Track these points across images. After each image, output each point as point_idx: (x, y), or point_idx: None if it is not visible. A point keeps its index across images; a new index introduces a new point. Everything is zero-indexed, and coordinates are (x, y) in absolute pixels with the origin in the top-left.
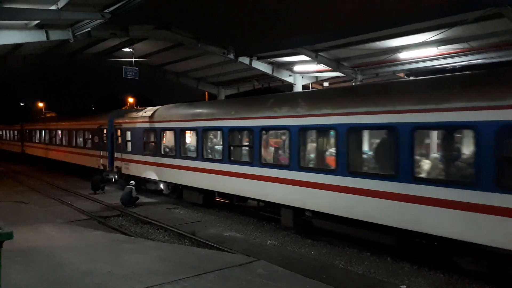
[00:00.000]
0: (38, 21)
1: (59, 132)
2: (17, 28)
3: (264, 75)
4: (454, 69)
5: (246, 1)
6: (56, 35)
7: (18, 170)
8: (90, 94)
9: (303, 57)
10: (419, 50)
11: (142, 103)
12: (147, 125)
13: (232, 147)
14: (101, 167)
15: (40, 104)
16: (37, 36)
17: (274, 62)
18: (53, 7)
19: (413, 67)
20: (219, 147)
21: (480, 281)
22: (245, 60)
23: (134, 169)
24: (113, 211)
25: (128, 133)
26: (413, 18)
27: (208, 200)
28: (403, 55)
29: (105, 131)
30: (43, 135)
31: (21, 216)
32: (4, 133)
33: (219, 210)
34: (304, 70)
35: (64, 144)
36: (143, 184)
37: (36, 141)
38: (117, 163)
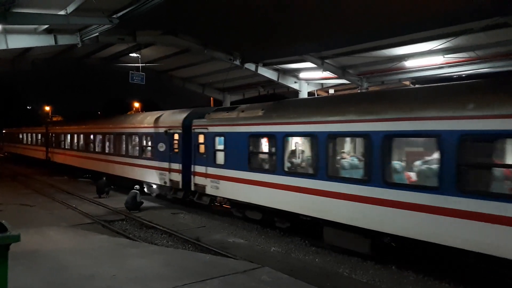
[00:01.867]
0: (47, 26)
1: (100, 136)
2: (26, 32)
3: (269, 81)
4: (460, 78)
5: (252, 8)
6: (64, 40)
7: (25, 173)
8: (96, 99)
9: (309, 64)
10: (425, 58)
11: (148, 108)
12: (258, 128)
13: None
14: (168, 184)
15: (47, 108)
16: (46, 41)
17: (279, 69)
18: (62, 12)
19: (419, 75)
20: None
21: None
22: (251, 66)
23: (230, 190)
24: (118, 215)
25: (220, 140)
26: (420, 26)
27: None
28: (409, 63)
29: (175, 137)
30: (76, 139)
31: (27, 219)
32: (25, 136)
33: (222, 216)
34: (310, 77)
35: (108, 152)
36: (240, 209)
37: (67, 147)
38: (198, 180)
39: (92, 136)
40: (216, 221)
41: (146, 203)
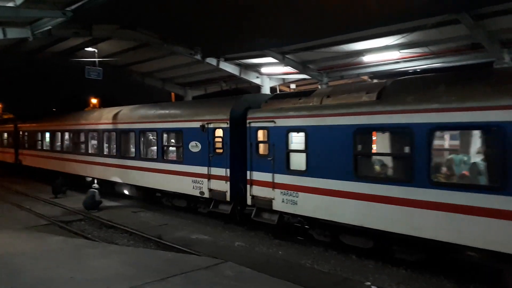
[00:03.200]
0: None
1: (96, 134)
2: None
3: (231, 76)
4: (415, 72)
5: (213, 2)
6: (14, 33)
7: None
8: (50, 95)
9: (270, 59)
10: (382, 53)
11: (106, 105)
12: (371, 119)
13: None
14: (206, 194)
15: None
16: None
17: (241, 64)
18: (11, 4)
19: (376, 70)
20: None
21: (438, 275)
22: (212, 61)
23: (319, 207)
24: (76, 216)
25: (297, 137)
26: (376, 22)
27: None
28: (367, 58)
29: (218, 133)
30: (59, 138)
31: None
32: None
33: (186, 213)
34: (272, 72)
35: (108, 153)
36: (329, 232)
37: (45, 147)
38: (258, 191)
39: (84, 134)
40: (179, 219)
41: (105, 202)
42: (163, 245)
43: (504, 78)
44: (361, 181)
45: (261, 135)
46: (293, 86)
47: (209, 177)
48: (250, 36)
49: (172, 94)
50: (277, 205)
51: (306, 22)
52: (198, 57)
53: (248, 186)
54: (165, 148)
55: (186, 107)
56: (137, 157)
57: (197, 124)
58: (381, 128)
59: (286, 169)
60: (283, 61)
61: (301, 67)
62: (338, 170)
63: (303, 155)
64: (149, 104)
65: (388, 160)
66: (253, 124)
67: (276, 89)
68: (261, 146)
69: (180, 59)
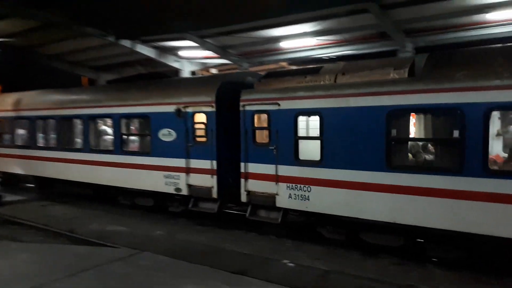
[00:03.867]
0: None
1: (31, 123)
2: None
3: (148, 59)
4: (330, 59)
5: None
6: None
7: None
8: None
9: (190, 43)
10: (299, 40)
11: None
12: (408, 99)
13: None
14: (184, 191)
15: None
16: None
17: (159, 47)
18: None
19: (294, 56)
20: None
21: (351, 249)
22: (127, 43)
23: (338, 202)
24: None
25: (309, 121)
26: (291, 9)
27: None
28: (284, 44)
29: (199, 118)
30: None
31: None
32: None
33: (100, 204)
34: (191, 56)
35: (46, 145)
36: (348, 230)
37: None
38: (256, 186)
39: (8, 123)
40: (93, 210)
41: (9, 197)
42: (76, 239)
43: None
44: (396, 172)
45: (259, 120)
46: (214, 71)
47: (188, 170)
48: (167, 18)
49: (84, 78)
50: (282, 202)
51: (224, 5)
52: (112, 39)
53: (242, 180)
54: (125, 137)
55: (155, 87)
56: (86, 149)
57: (170, 108)
58: (421, 109)
59: (295, 160)
60: (203, 45)
61: (221, 51)
62: (366, 159)
63: (317, 142)
64: (101, 86)
65: (430, 147)
66: (248, 108)
67: (196, 73)
68: (259, 133)
69: (92, 41)
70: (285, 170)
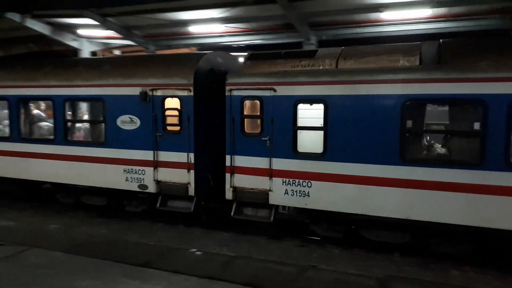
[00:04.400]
0: None
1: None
2: None
3: (42, 36)
4: (240, 48)
5: None
6: None
7: None
8: None
9: (89, 21)
10: (208, 25)
11: None
12: (441, 88)
13: None
14: (151, 188)
15: None
16: None
17: (54, 23)
18: None
19: (203, 42)
20: None
21: (259, 234)
22: (15, 16)
23: (344, 197)
24: None
25: (310, 110)
26: None
27: None
28: (193, 29)
29: (170, 104)
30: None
31: None
32: None
33: None
34: (92, 35)
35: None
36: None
37: None
38: (245, 181)
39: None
40: None
41: None
42: None
43: None
44: (411, 165)
45: (250, 107)
46: (117, 52)
47: (157, 164)
48: None
49: None
50: (276, 198)
51: None
52: None
53: (228, 175)
54: (70, 124)
55: (111, 66)
56: (16, 137)
57: (132, 91)
58: (440, 99)
59: (293, 152)
60: (104, 24)
61: (125, 32)
62: (377, 152)
63: (320, 133)
64: (37, 61)
65: (447, 139)
66: (236, 93)
67: (97, 54)
68: (249, 122)
69: None
70: (281, 163)
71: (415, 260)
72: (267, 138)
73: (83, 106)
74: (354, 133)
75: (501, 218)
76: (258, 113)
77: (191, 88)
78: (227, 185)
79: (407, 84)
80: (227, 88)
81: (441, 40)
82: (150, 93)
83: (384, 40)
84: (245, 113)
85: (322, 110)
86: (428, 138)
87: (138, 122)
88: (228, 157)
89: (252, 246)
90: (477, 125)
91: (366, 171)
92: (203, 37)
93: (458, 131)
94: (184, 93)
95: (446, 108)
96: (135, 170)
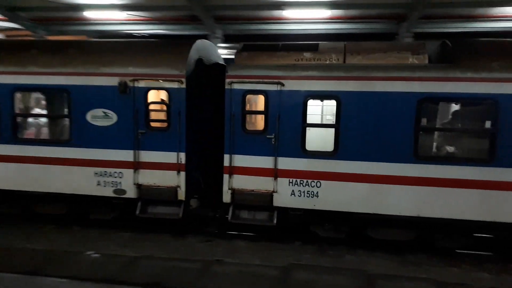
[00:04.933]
0: None
1: None
2: None
3: None
4: (143, 36)
5: None
6: None
7: None
8: None
9: None
10: (107, 12)
11: None
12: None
13: None
14: (130, 193)
15: None
16: None
17: None
18: None
19: (102, 29)
20: None
21: (163, 232)
22: None
23: (356, 196)
24: None
25: (320, 106)
26: None
27: None
28: (89, 15)
29: (155, 97)
30: None
31: None
32: None
33: None
34: None
35: None
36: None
37: None
38: (246, 182)
39: None
40: None
41: None
42: None
43: None
44: (424, 163)
45: (253, 103)
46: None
47: (137, 166)
48: None
49: None
50: (282, 200)
51: None
52: None
53: (226, 176)
54: (20, 119)
55: (78, 49)
56: None
57: (108, 81)
58: (455, 98)
59: (302, 151)
60: None
61: (9, 13)
62: (391, 150)
63: (330, 131)
64: None
65: (461, 137)
66: (237, 86)
67: None
68: (250, 118)
69: None
70: (287, 163)
71: (314, 247)
72: (272, 136)
73: (40, 98)
74: (368, 131)
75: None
76: (263, 109)
77: (183, 79)
78: (225, 187)
79: (423, 82)
80: (227, 81)
81: (446, 40)
82: (130, 84)
83: (287, 38)
84: (247, 108)
85: (334, 107)
86: (442, 136)
87: (114, 117)
88: (226, 157)
89: (155, 244)
90: (488, 124)
91: (379, 169)
92: (101, 23)
93: (473, 129)
94: (174, 85)
95: (459, 106)
96: (110, 172)
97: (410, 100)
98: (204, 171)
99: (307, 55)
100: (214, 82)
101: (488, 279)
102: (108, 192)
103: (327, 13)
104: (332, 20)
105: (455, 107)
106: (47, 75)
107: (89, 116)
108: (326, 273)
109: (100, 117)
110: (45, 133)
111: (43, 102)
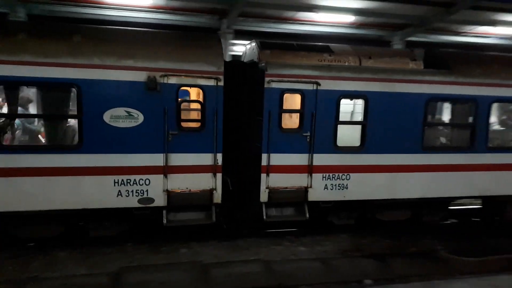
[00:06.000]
0: None
1: None
2: None
3: None
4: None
5: None
6: None
7: None
8: None
9: None
10: None
11: None
12: None
13: None
14: (158, 201)
15: None
16: None
17: None
18: None
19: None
20: None
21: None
22: None
23: (380, 185)
24: None
25: (351, 105)
26: None
27: None
28: None
29: (188, 95)
30: None
31: None
32: None
33: None
34: None
35: None
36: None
37: None
38: (283, 181)
39: None
40: None
41: None
42: None
43: None
44: (429, 153)
45: (291, 101)
46: None
47: (167, 170)
48: None
49: None
50: (316, 194)
51: None
52: None
53: (263, 175)
54: (6, 122)
55: (88, 35)
56: None
57: (132, 76)
58: (452, 98)
59: (334, 147)
60: None
61: None
62: (405, 142)
63: (356, 128)
64: None
65: (454, 130)
66: (276, 85)
67: None
68: (286, 117)
69: None
70: (321, 159)
71: (146, 246)
72: (307, 134)
73: (37, 95)
74: (389, 127)
75: (489, 188)
76: (299, 108)
77: (221, 77)
78: (263, 187)
79: (430, 84)
80: (267, 79)
81: (440, 49)
82: (161, 80)
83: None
84: (284, 107)
85: (361, 105)
86: (436, 129)
87: (140, 117)
88: (264, 156)
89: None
90: (471, 119)
91: (397, 160)
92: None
93: (461, 124)
94: (210, 82)
95: (454, 105)
96: (135, 180)
97: (421, 100)
98: (239, 172)
99: (326, 56)
100: (251, 81)
101: (305, 252)
102: (132, 202)
103: (148, 1)
104: (153, 9)
105: (450, 105)
106: (48, 66)
107: (106, 117)
108: (159, 271)
109: (121, 118)
110: (42, 137)
111: (41, 100)
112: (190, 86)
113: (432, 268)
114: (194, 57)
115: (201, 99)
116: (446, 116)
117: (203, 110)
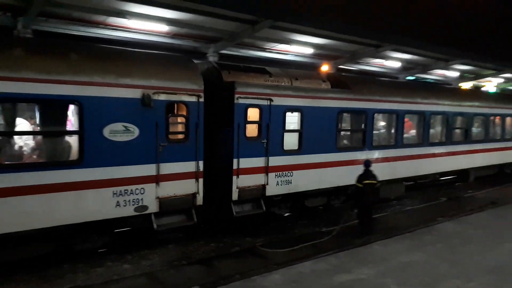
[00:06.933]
0: None
1: None
2: None
3: None
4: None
5: None
6: None
7: None
8: None
9: None
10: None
11: None
12: None
13: None
14: (151, 208)
15: None
16: None
17: None
18: None
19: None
20: None
21: None
22: None
23: (312, 179)
24: None
25: (293, 117)
26: None
27: None
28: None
29: (178, 110)
30: None
31: None
32: None
33: None
34: None
35: None
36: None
37: None
38: (247, 180)
39: None
40: None
41: None
42: None
43: None
44: (341, 152)
45: (252, 114)
46: None
47: (159, 179)
48: None
49: None
50: (272, 189)
51: None
52: None
53: (234, 177)
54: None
55: (87, 54)
56: None
57: (130, 93)
58: (352, 111)
59: (281, 150)
60: None
61: None
62: (328, 143)
63: (296, 135)
64: None
65: (358, 134)
66: (242, 101)
67: None
68: (249, 127)
69: None
70: (274, 160)
71: None
72: (265, 141)
73: (35, 111)
74: (316, 133)
75: (347, 180)
76: (258, 120)
77: (202, 94)
78: (234, 187)
79: (340, 100)
80: (236, 96)
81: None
82: (153, 96)
83: None
84: (248, 119)
85: (299, 117)
86: (342, 134)
87: (136, 131)
88: (235, 161)
89: None
90: (363, 126)
91: (321, 158)
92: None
93: (357, 129)
94: (193, 99)
95: (352, 114)
96: (131, 190)
97: (334, 112)
98: (216, 176)
99: (268, 77)
100: (223, 97)
101: (130, 269)
102: (129, 211)
103: None
104: None
105: (349, 115)
106: (49, 83)
107: (106, 131)
108: None
109: (119, 132)
110: (40, 154)
111: (40, 117)
112: (177, 102)
113: (254, 263)
114: (179, 76)
115: (185, 113)
116: (349, 124)
117: (187, 123)
